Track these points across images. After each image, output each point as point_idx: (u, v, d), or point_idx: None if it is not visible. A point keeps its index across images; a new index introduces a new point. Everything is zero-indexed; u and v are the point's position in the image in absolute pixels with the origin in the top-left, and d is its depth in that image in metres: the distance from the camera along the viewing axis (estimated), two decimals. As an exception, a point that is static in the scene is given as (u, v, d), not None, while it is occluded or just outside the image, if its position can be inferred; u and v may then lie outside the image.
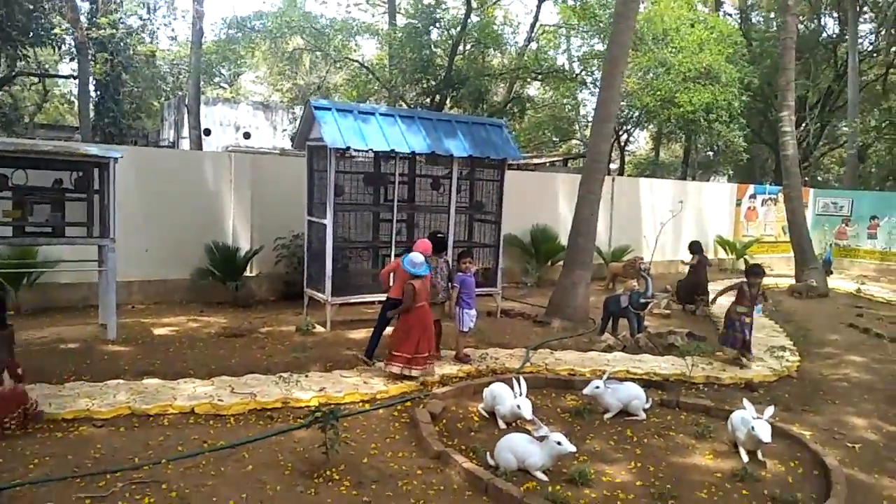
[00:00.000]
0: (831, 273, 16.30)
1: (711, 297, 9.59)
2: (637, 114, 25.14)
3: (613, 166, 29.24)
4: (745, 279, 8.08)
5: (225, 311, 9.64)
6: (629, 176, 26.22)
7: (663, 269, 15.92)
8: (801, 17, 25.05)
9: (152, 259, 9.92)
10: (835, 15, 26.09)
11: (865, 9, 24.98)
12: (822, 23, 26.65)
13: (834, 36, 25.99)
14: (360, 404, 6.04)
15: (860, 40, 24.15)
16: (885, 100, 24.40)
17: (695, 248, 11.52)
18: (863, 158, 25.25)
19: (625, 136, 28.92)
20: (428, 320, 6.79)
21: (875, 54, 26.29)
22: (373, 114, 9.08)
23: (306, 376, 6.46)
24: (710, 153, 34.28)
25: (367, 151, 8.85)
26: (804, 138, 25.64)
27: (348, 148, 8.46)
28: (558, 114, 28.23)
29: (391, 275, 7.32)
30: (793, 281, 13.73)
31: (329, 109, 8.72)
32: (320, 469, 4.58)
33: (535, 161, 26.49)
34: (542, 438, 4.78)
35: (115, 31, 23.26)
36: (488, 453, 4.96)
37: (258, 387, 6.12)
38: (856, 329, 10.08)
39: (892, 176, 24.84)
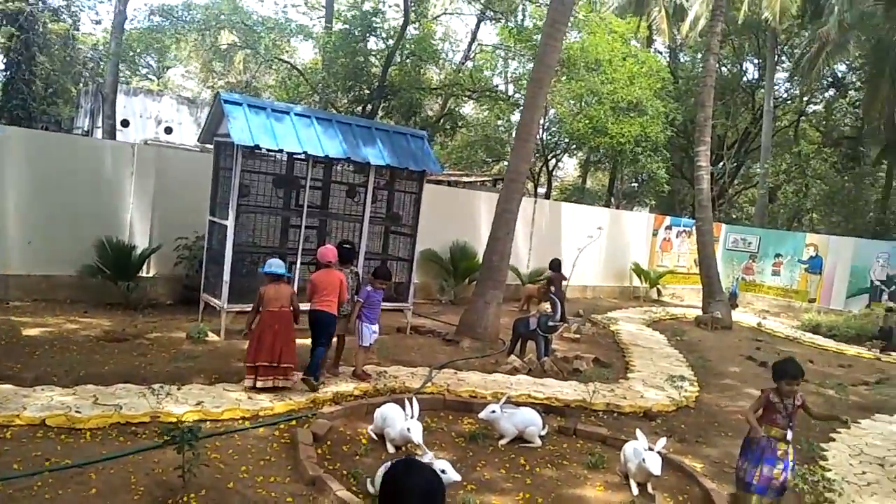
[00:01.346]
0: (736, 306, 16.89)
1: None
2: (567, 140, 25.66)
3: (541, 190, 29.70)
4: (773, 387, 4.90)
5: (113, 314, 8.93)
6: (556, 200, 26.60)
7: (579, 293, 16.08)
8: (724, 61, 26.27)
9: (35, 252, 9.12)
10: (755, 61, 27.47)
11: (783, 57, 26.43)
12: (744, 67, 28.00)
13: (753, 81, 27.35)
14: (241, 422, 5.59)
15: (776, 87, 25.50)
16: (796, 145, 25.79)
17: (552, 265, 11.68)
18: (773, 199, 26.54)
19: (553, 162, 29.44)
20: (282, 325, 6.32)
21: (789, 101, 27.83)
22: (287, 113, 8.67)
23: (180, 388, 5.90)
24: (635, 184, 35.41)
25: (278, 152, 8.41)
26: (721, 176, 26.79)
27: (257, 146, 8.02)
28: (491, 134, 28.43)
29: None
30: (700, 312, 14.08)
31: (240, 105, 8.27)
32: (177, 495, 4.12)
33: (466, 179, 26.50)
34: (425, 466, 4.49)
35: (24, 2, 21.72)
36: (369, 480, 4.63)
37: (126, 398, 5.57)
38: (754, 362, 10.34)
39: (797, 217, 26.20)
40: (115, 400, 5.51)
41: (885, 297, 15.89)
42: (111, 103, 19.48)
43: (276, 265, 6.56)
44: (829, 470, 5.87)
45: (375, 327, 7.16)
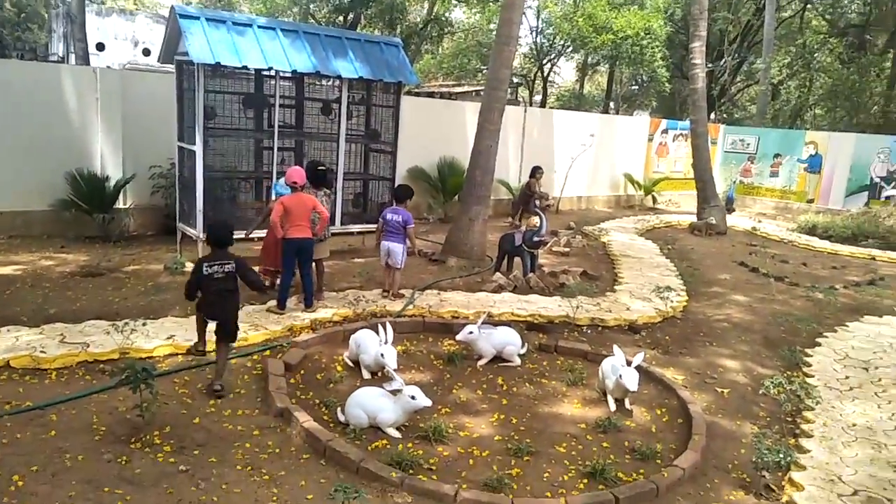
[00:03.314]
0: (733, 210, 16.63)
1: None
2: (562, 43, 24.57)
3: (537, 98, 28.80)
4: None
5: (90, 247, 8.76)
6: (552, 108, 25.81)
7: (572, 204, 15.81)
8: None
9: (4, 188, 8.84)
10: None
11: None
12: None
13: (756, -31, 25.83)
14: (213, 353, 5.49)
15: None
16: (800, 36, 24.65)
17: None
18: (776, 95, 25.69)
19: (548, 67, 28.35)
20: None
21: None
22: (250, 25, 8.14)
23: (145, 323, 5.65)
24: (634, 87, 34.28)
25: (241, 69, 7.95)
26: (722, 73, 25.81)
27: (219, 64, 7.56)
28: (483, 41, 27.26)
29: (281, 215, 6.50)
30: (695, 218, 13.85)
31: (197, 19, 7.75)
32: (140, 433, 4.06)
33: (458, 90, 25.64)
34: (395, 392, 4.42)
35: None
36: (339, 409, 4.57)
37: (95, 335, 5.46)
38: (745, 267, 10.20)
39: (800, 114, 25.43)
40: (84, 338, 5.40)
41: (885, 192, 15.58)
42: (80, 25, 18.47)
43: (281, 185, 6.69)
44: (812, 376, 5.81)
45: (397, 247, 7.21)
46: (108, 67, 15.12)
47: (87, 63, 19.01)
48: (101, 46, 25.14)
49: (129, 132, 9.64)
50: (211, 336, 4.89)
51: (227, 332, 4.84)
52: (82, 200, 9.12)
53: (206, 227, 6.33)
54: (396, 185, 8.12)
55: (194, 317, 5.00)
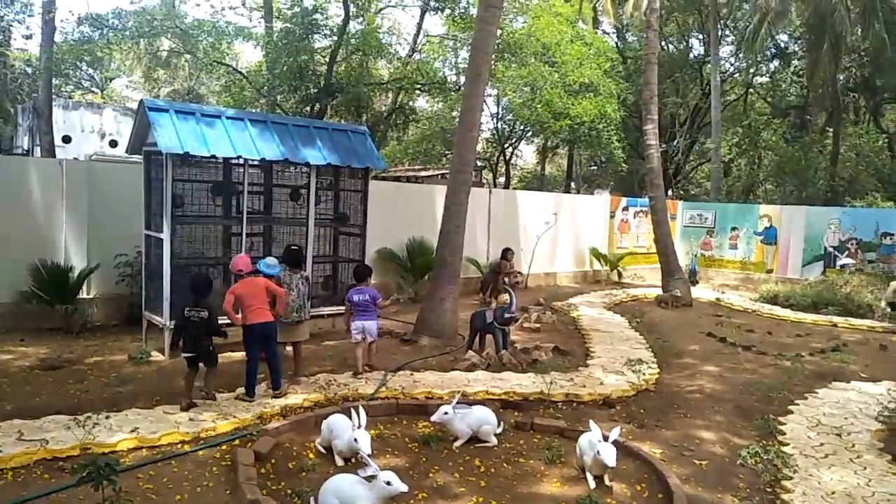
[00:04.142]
0: (697, 282, 17.04)
1: None
2: (522, 128, 25.57)
3: (501, 180, 29.64)
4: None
5: (51, 340, 8.51)
6: (516, 189, 26.55)
7: (541, 280, 16.01)
8: (670, 38, 26.48)
9: (-37, 281, 8.63)
10: (700, 36, 27.76)
11: (727, 31, 26.74)
12: (690, 44, 28.28)
13: (700, 56, 27.64)
14: (179, 446, 5.30)
15: (722, 61, 25.79)
16: (745, 117, 26.13)
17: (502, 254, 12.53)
18: (727, 172, 26.90)
19: (510, 151, 29.38)
20: None
21: (737, 74, 28.18)
22: (219, 117, 8.33)
23: (107, 417, 5.44)
24: (594, 167, 35.60)
25: (210, 158, 8.07)
26: (676, 153, 27.07)
27: (187, 154, 7.66)
28: (447, 127, 28.25)
29: (233, 304, 6.41)
30: (661, 291, 14.11)
31: (166, 111, 7.90)
32: (102, 533, 3.84)
33: (424, 174, 26.26)
34: (370, 478, 4.29)
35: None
36: (312, 498, 4.40)
37: (55, 431, 5.23)
38: (713, 338, 10.35)
39: (752, 189, 26.59)
40: (42, 434, 5.16)
41: (839, 261, 16.16)
42: (47, 119, 18.69)
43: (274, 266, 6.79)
44: (787, 444, 5.83)
45: (371, 324, 7.48)
46: (75, 159, 15.18)
47: (53, 155, 19.07)
48: (67, 139, 25.26)
49: (94, 222, 9.59)
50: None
51: (208, 361, 6.25)
52: (44, 291, 8.91)
53: (190, 282, 6.77)
54: (355, 266, 8.27)
55: (160, 408, 5.02)
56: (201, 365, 6.23)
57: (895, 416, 6.27)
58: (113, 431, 5.29)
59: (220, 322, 6.38)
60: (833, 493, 4.91)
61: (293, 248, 7.45)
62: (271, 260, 6.84)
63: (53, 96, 21.59)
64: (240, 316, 6.33)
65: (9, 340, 8.35)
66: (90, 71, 37.40)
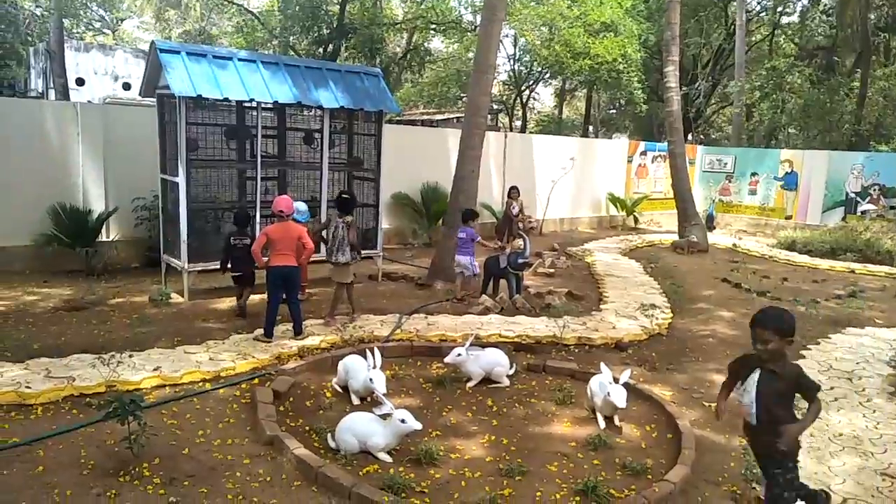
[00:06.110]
0: (714, 228, 16.89)
1: None
2: (540, 69, 24.98)
3: (517, 124, 29.18)
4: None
5: (73, 281, 8.69)
6: (532, 133, 26.18)
7: (556, 226, 15.96)
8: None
9: (-15, 224, 8.78)
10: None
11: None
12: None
13: (726, -6, 26.57)
14: (200, 384, 5.46)
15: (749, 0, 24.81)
16: (770, 59, 25.28)
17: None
18: (749, 116, 26.24)
19: (527, 93, 28.80)
20: None
21: (763, 13, 27.14)
22: (230, 59, 8.23)
23: (132, 355, 5.67)
24: (612, 110, 34.88)
25: (222, 101, 8.01)
26: (697, 96, 26.36)
27: (200, 97, 7.62)
28: (462, 69, 27.70)
29: (263, 245, 6.56)
30: (677, 237, 14.03)
31: (178, 53, 7.81)
32: (129, 466, 4.01)
33: (439, 117, 25.93)
34: (385, 416, 4.41)
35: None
36: (329, 435, 4.54)
37: (80, 369, 5.40)
38: (728, 284, 10.33)
39: (774, 133, 25.98)
40: (69, 372, 5.34)
41: (860, 207, 15.90)
42: (60, 61, 18.58)
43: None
44: (797, 388, 5.87)
45: (464, 259, 8.42)
46: (89, 102, 15.14)
47: (67, 98, 19.03)
48: (80, 81, 25.16)
49: (111, 166, 9.65)
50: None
51: (247, 281, 7.46)
52: (65, 234, 9.07)
53: (233, 216, 7.83)
54: (463, 210, 8.82)
55: (181, 348, 5.60)
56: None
57: (908, 361, 6.28)
58: (136, 370, 5.46)
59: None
60: (840, 434, 4.98)
61: (344, 195, 7.61)
62: (302, 206, 7.08)
63: (65, 38, 21.38)
64: (266, 259, 6.46)
65: (32, 282, 8.54)
66: (101, 11, 36.86)
